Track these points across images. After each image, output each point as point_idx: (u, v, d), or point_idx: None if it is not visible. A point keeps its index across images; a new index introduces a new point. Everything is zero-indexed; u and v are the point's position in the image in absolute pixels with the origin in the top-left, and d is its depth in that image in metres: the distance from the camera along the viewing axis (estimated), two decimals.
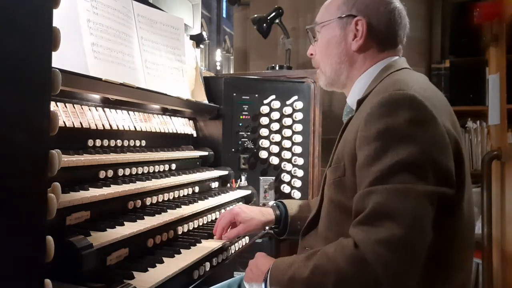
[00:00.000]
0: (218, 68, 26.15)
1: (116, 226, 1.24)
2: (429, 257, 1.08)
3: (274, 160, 2.45)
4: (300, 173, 2.48)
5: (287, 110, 2.48)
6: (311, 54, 1.45)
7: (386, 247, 0.96)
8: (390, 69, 1.27)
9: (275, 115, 2.45)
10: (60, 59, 1.27)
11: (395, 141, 1.01)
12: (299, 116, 2.47)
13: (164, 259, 1.28)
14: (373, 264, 0.96)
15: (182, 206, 1.59)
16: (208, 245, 1.45)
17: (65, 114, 1.42)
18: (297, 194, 2.48)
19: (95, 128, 1.53)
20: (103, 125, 1.58)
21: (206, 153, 2.26)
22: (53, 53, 0.73)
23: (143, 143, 1.84)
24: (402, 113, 1.02)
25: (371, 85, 1.27)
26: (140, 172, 1.68)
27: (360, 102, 1.24)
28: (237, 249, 1.66)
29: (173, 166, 1.91)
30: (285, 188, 2.47)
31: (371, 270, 0.96)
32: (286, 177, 2.48)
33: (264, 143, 2.44)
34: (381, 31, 1.30)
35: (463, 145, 1.14)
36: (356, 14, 1.30)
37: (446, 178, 1.03)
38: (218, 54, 27.44)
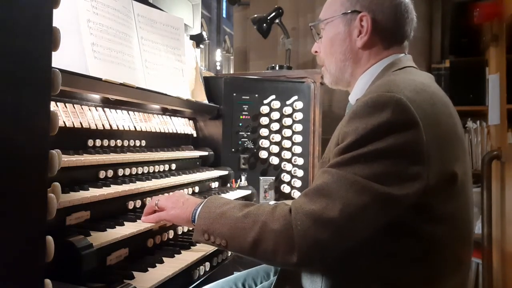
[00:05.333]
0: (218, 68, 26.13)
1: (116, 226, 1.25)
2: (425, 258, 1.08)
3: (274, 160, 2.45)
4: (300, 173, 2.48)
5: (287, 110, 2.48)
6: (316, 52, 1.42)
7: (312, 220, 1.02)
8: (393, 68, 1.23)
9: (275, 115, 2.45)
10: (60, 59, 1.28)
11: (368, 140, 1.03)
12: (299, 116, 2.47)
13: (164, 259, 1.28)
14: (294, 229, 1.03)
15: None
16: (208, 245, 1.45)
17: (65, 114, 1.42)
18: (297, 194, 2.47)
19: (95, 128, 1.53)
20: (103, 125, 1.58)
21: (206, 153, 2.26)
22: (53, 53, 0.73)
23: (143, 143, 1.84)
24: (384, 115, 1.02)
25: (373, 84, 1.24)
26: (140, 172, 1.68)
27: None
28: None
29: (173, 166, 1.91)
30: (285, 188, 2.47)
31: (290, 234, 1.04)
32: (286, 177, 2.48)
33: (264, 143, 2.44)
34: (387, 27, 1.27)
35: (466, 145, 1.14)
36: (360, 10, 1.27)
37: (406, 184, 1.02)
38: (218, 54, 27.42)
